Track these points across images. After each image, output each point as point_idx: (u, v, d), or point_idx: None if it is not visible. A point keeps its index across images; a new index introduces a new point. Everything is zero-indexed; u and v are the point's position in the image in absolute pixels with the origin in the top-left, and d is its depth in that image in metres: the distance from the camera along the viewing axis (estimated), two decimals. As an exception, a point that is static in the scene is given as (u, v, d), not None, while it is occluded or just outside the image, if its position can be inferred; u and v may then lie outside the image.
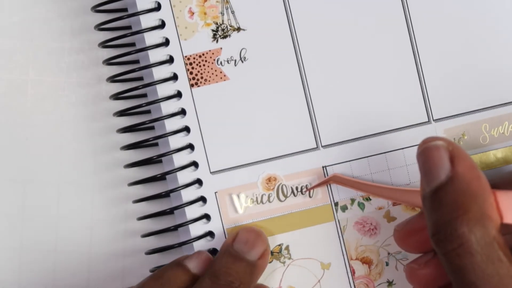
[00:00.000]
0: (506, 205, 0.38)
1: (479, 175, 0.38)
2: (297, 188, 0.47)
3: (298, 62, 0.47)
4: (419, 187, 0.41)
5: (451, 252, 0.37)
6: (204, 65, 0.47)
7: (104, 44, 0.49)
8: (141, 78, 0.49)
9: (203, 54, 0.47)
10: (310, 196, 0.47)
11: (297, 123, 0.47)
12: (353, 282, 0.48)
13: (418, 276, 0.43)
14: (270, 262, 0.48)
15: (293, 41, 0.47)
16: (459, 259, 0.36)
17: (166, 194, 0.47)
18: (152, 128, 0.49)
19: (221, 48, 0.47)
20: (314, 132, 0.47)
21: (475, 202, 0.37)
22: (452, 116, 0.47)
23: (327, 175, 0.47)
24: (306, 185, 0.47)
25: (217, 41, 0.47)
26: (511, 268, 0.36)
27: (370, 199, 0.47)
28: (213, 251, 0.47)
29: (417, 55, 0.47)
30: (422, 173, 0.39)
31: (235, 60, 0.47)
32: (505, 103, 0.47)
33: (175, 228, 0.48)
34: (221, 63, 0.47)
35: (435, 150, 0.38)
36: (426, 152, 0.39)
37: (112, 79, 0.48)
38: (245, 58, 0.47)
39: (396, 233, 0.45)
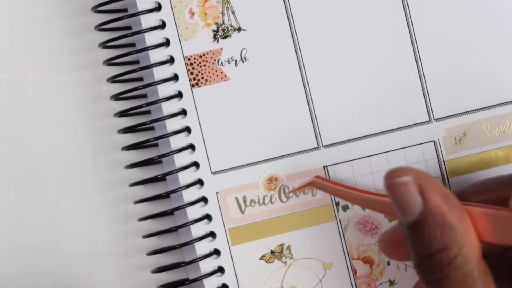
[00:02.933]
0: (483, 224, 0.38)
1: (452, 203, 0.37)
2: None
3: (298, 62, 0.47)
4: None
5: (433, 282, 0.37)
6: (204, 65, 0.47)
7: (104, 45, 0.49)
8: (141, 79, 0.49)
9: (203, 55, 0.47)
10: (313, 195, 0.47)
11: (298, 123, 0.47)
12: (355, 281, 0.48)
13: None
14: (272, 262, 0.48)
15: (293, 41, 0.47)
16: (445, 285, 0.37)
17: (167, 195, 0.47)
18: (153, 128, 0.49)
19: (221, 48, 0.47)
20: (315, 132, 0.47)
21: (453, 236, 0.37)
22: (453, 115, 0.47)
23: (328, 175, 0.47)
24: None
25: (217, 41, 0.47)
26: None
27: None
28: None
29: (417, 55, 0.47)
30: (394, 206, 0.38)
31: (236, 60, 0.47)
32: (506, 102, 0.47)
33: (176, 228, 0.48)
34: (221, 63, 0.47)
35: (403, 186, 0.37)
36: (394, 189, 0.38)
37: (113, 79, 0.48)
38: (245, 58, 0.47)
39: (381, 244, 0.45)
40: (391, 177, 0.38)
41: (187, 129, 0.48)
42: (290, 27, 0.47)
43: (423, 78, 0.47)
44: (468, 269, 0.37)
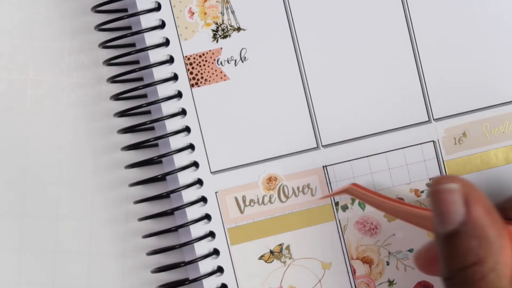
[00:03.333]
0: None
1: (494, 218, 0.37)
2: (298, 188, 0.47)
3: (298, 62, 0.47)
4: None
5: None
6: (204, 65, 0.47)
7: (104, 45, 0.49)
8: (141, 79, 0.49)
9: (203, 54, 0.47)
10: (312, 195, 0.47)
11: (297, 123, 0.47)
12: (354, 281, 0.48)
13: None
14: (271, 262, 0.48)
15: (293, 41, 0.47)
16: None
17: (167, 195, 0.47)
18: (153, 128, 0.49)
19: (221, 48, 0.47)
20: (314, 132, 0.47)
21: (490, 251, 0.36)
22: (453, 115, 0.47)
23: (328, 174, 0.47)
24: (309, 186, 0.47)
25: (217, 41, 0.47)
26: None
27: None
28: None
29: (417, 54, 0.47)
30: (434, 213, 0.38)
31: (235, 60, 0.47)
32: (506, 102, 0.47)
33: (176, 228, 0.48)
34: (221, 63, 0.47)
35: (449, 194, 0.37)
36: (439, 195, 0.38)
37: (113, 79, 0.48)
38: (245, 58, 0.47)
39: (417, 261, 0.44)
40: (438, 183, 0.38)
41: (187, 129, 0.48)
42: (289, 27, 0.47)
43: (423, 78, 0.47)
44: (500, 286, 0.36)
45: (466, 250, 0.36)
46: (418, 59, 0.47)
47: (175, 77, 0.47)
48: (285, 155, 0.47)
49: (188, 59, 0.47)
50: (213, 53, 0.47)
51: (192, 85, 0.47)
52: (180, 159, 0.47)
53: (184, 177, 0.47)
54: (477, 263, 0.36)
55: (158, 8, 0.47)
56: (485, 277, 0.36)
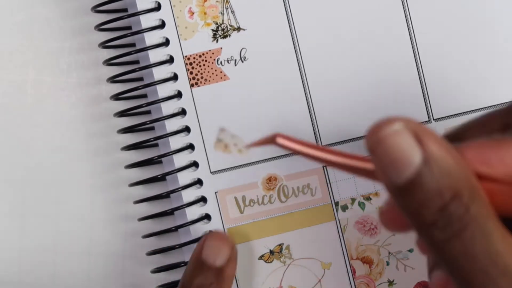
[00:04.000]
0: (478, 159, 0.33)
1: (450, 147, 0.32)
2: (298, 188, 0.47)
3: (298, 62, 0.47)
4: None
5: (450, 239, 0.32)
6: (204, 65, 0.47)
7: (104, 45, 0.49)
8: (141, 79, 0.49)
9: (203, 54, 0.47)
10: (312, 195, 0.47)
11: (297, 123, 0.47)
12: (354, 281, 0.48)
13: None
14: (271, 262, 0.48)
15: (293, 41, 0.47)
16: (459, 245, 0.32)
17: (167, 195, 0.47)
18: (153, 128, 0.49)
19: (221, 48, 0.48)
20: (314, 132, 0.47)
21: (463, 179, 0.32)
22: (453, 115, 0.47)
23: (328, 174, 0.47)
24: (309, 186, 0.47)
25: (217, 41, 0.47)
26: (510, 245, 0.32)
27: (370, 199, 0.47)
28: None
29: (417, 55, 0.47)
30: (384, 165, 0.32)
31: (235, 60, 0.47)
32: (506, 102, 0.47)
33: (176, 228, 0.48)
34: (221, 63, 0.47)
35: (397, 136, 0.32)
36: (386, 142, 0.32)
37: (112, 79, 0.48)
38: (245, 58, 0.47)
39: (382, 216, 0.37)
40: (379, 129, 0.32)
41: (187, 129, 0.48)
42: (289, 27, 0.47)
43: (423, 79, 0.47)
44: (486, 212, 0.32)
45: (439, 187, 0.31)
46: (418, 59, 0.47)
47: (175, 77, 0.47)
48: (285, 155, 0.47)
49: (188, 59, 0.47)
50: (213, 53, 0.47)
51: (192, 85, 0.47)
52: (180, 159, 0.47)
53: (184, 177, 0.47)
54: (454, 196, 0.31)
55: (158, 8, 0.47)
56: (469, 208, 0.32)
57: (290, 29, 0.47)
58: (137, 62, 0.49)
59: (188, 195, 0.47)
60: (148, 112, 0.49)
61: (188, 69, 0.47)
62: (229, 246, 0.45)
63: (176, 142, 0.47)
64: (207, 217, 0.48)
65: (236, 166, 0.47)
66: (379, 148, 0.32)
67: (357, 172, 0.36)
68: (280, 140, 0.41)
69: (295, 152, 0.40)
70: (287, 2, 0.47)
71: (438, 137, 0.32)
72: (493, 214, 0.32)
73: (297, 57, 0.47)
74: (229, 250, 0.45)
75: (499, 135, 0.35)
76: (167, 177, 0.48)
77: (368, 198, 0.47)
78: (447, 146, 0.32)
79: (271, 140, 0.41)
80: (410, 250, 0.47)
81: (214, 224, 0.47)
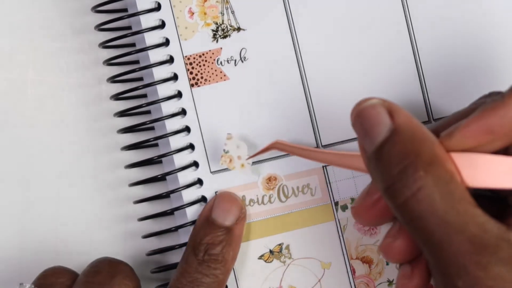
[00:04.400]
0: (464, 168, 0.37)
1: (420, 124, 0.37)
2: (298, 188, 0.47)
3: (298, 62, 0.47)
4: None
5: (409, 199, 0.35)
6: (204, 65, 0.47)
7: (104, 45, 0.49)
8: (141, 79, 0.49)
9: (203, 54, 0.47)
10: (312, 195, 0.47)
11: (297, 123, 0.47)
12: (354, 281, 0.48)
13: (394, 249, 0.40)
14: (271, 262, 0.48)
15: (293, 41, 0.47)
16: (418, 205, 0.35)
17: (167, 195, 0.48)
18: (153, 128, 0.49)
19: (221, 48, 0.48)
20: (314, 132, 0.47)
21: (425, 146, 0.36)
22: (452, 115, 0.47)
23: (327, 174, 0.47)
24: (309, 185, 0.47)
25: (217, 41, 0.47)
26: (470, 206, 0.35)
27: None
28: None
29: (417, 55, 0.47)
30: (361, 135, 0.38)
31: (235, 60, 0.47)
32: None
33: (176, 229, 0.48)
34: (221, 63, 0.48)
35: (372, 108, 0.37)
36: (363, 113, 0.38)
37: (113, 79, 0.48)
38: (245, 58, 0.47)
39: (353, 209, 0.42)
40: (360, 104, 0.38)
41: (187, 129, 0.48)
42: (289, 26, 0.47)
43: (423, 79, 0.47)
44: (447, 176, 0.35)
45: (402, 152, 0.36)
46: (418, 59, 0.47)
47: (175, 77, 0.48)
48: (285, 155, 0.47)
49: (188, 59, 0.47)
50: (213, 53, 0.47)
51: (192, 85, 0.47)
52: (180, 159, 0.47)
53: (184, 177, 0.47)
54: (414, 161, 0.35)
55: (158, 8, 0.47)
56: (428, 170, 0.35)
57: (290, 29, 0.47)
58: (137, 62, 0.49)
59: (188, 195, 0.47)
60: (148, 112, 0.49)
61: (188, 69, 0.47)
62: (238, 207, 0.46)
63: (176, 142, 0.47)
64: (207, 217, 0.48)
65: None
66: (357, 119, 0.38)
67: (350, 167, 0.43)
68: (278, 145, 0.44)
69: (296, 154, 0.45)
70: (287, 2, 0.47)
71: (408, 113, 0.37)
72: (456, 179, 0.36)
73: (297, 57, 0.47)
74: (238, 211, 0.46)
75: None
76: (167, 177, 0.48)
77: (368, 198, 0.47)
78: (415, 121, 0.37)
79: (269, 148, 0.46)
80: (410, 250, 0.47)
81: (214, 224, 0.48)
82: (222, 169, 0.47)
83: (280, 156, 0.47)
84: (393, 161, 0.36)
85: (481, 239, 0.34)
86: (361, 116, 0.38)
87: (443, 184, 0.35)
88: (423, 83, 0.47)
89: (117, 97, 0.49)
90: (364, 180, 0.47)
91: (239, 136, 0.47)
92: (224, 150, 0.46)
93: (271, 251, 0.48)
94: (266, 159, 0.47)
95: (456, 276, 0.35)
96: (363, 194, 0.42)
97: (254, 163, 0.47)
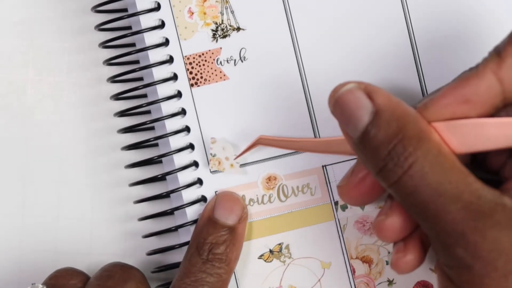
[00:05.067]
0: (450, 138, 0.37)
1: (399, 101, 0.37)
2: (297, 188, 0.47)
3: (297, 62, 0.47)
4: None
5: (402, 176, 0.36)
6: (204, 64, 0.47)
7: (104, 44, 0.49)
8: (141, 79, 0.49)
9: (202, 54, 0.47)
10: (312, 195, 0.47)
11: (296, 122, 0.47)
12: (354, 281, 0.48)
13: (386, 226, 0.41)
14: (271, 261, 0.48)
15: (292, 41, 0.48)
16: (411, 181, 0.36)
17: (167, 195, 0.48)
18: (153, 128, 0.49)
19: (220, 48, 0.48)
20: (314, 131, 0.47)
21: (409, 123, 0.36)
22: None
23: (327, 174, 0.47)
24: (308, 185, 0.47)
25: (216, 41, 0.48)
26: (462, 175, 0.36)
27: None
28: None
29: (417, 56, 0.47)
30: (343, 122, 0.38)
31: (235, 60, 0.47)
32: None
33: (176, 228, 0.48)
34: (220, 62, 0.48)
35: (350, 94, 0.37)
36: (342, 100, 0.38)
37: (112, 79, 0.48)
38: (244, 57, 0.47)
39: (339, 189, 0.43)
40: (336, 91, 0.38)
41: (187, 129, 0.48)
42: (289, 26, 0.47)
43: (423, 79, 0.47)
44: (436, 149, 0.36)
45: (388, 134, 0.36)
46: (418, 60, 0.47)
47: (174, 77, 0.48)
48: (285, 154, 0.47)
49: (188, 58, 0.47)
50: (212, 53, 0.47)
51: (191, 85, 0.47)
52: (180, 159, 0.47)
53: (184, 177, 0.48)
54: (402, 138, 0.36)
55: (157, 8, 0.47)
56: (417, 145, 0.36)
57: (289, 29, 0.48)
58: (137, 62, 0.49)
59: (188, 195, 0.47)
60: (148, 112, 0.49)
61: (188, 69, 0.47)
62: (240, 206, 0.46)
63: (176, 142, 0.47)
64: (207, 216, 0.48)
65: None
66: (337, 107, 0.38)
67: (338, 152, 0.44)
68: (262, 141, 0.46)
69: (280, 147, 0.46)
70: (286, 2, 0.47)
71: (386, 92, 0.37)
72: (444, 150, 0.36)
73: (296, 57, 0.48)
74: (241, 210, 0.46)
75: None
76: (167, 177, 0.48)
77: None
78: (395, 99, 0.37)
79: (255, 144, 0.46)
80: (410, 250, 0.47)
81: (214, 224, 0.48)
82: (222, 169, 0.48)
83: (280, 155, 0.47)
84: (380, 143, 0.36)
85: (476, 205, 0.35)
86: (340, 103, 0.38)
87: (433, 157, 0.36)
88: (423, 83, 0.47)
89: (117, 97, 0.49)
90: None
91: (223, 138, 0.47)
92: (211, 154, 0.47)
93: (271, 251, 0.48)
94: (266, 159, 0.47)
95: (455, 245, 0.35)
96: (348, 173, 0.42)
97: (253, 162, 0.47)
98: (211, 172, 0.47)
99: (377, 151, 0.36)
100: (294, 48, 0.47)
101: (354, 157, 0.43)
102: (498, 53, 0.37)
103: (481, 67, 0.37)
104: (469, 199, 0.35)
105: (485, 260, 0.35)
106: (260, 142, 0.46)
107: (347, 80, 0.38)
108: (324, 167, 0.47)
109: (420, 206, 0.36)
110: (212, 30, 0.47)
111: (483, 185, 0.36)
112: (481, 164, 0.40)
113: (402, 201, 0.37)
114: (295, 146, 0.45)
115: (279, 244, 0.48)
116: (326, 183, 0.47)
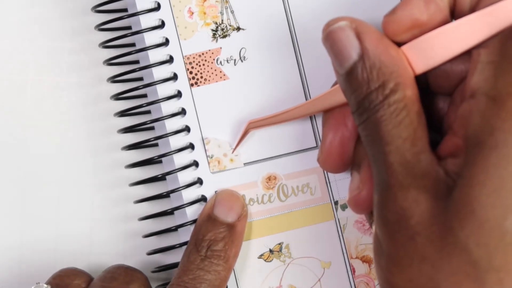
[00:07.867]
0: (413, 57, 0.38)
1: (387, 44, 0.38)
2: (297, 188, 0.47)
3: (297, 61, 0.48)
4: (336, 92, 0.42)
5: (368, 119, 0.37)
6: (204, 64, 0.48)
7: (104, 44, 0.49)
8: (141, 78, 0.49)
9: (202, 54, 0.48)
10: (312, 194, 0.48)
11: (296, 122, 0.47)
12: (353, 281, 0.48)
13: (360, 199, 0.42)
14: (270, 261, 0.48)
15: (292, 41, 0.48)
16: (371, 124, 0.37)
17: (167, 194, 0.48)
18: (153, 128, 0.49)
19: (220, 48, 0.48)
20: (313, 131, 0.47)
21: (390, 72, 0.37)
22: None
23: (327, 174, 0.47)
24: (308, 185, 0.47)
25: (216, 41, 0.48)
26: (412, 133, 0.37)
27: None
28: None
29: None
30: (332, 56, 0.39)
31: (235, 60, 0.48)
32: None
33: (176, 228, 0.48)
34: (220, 62, 0.48)
35: (340, 31, 0.38)
36: (332, 35, 0.39)
37: (113, 79, 0.49)
38: (244, 57, 0.48)
39: (319, 158, 0.45)
40: (330, 24, 0.39)
41: (187, 129, 0.48)
42: (289, 26, 0.48)
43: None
44: (402, 104, 0.37)
45: (367, 79, 0.37)
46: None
47: (174, 77, 0.48)
48: (285, 154, 0.47)
49: (188, 58, 0.48)
50: (212, 53, 0.48)
51: (191, 85, 0.48)
52: (180, 159, 0.48)
53: (184, 177, 0.48)
54: (379, 87, 0.37)
55: (157, 8, 0.47)
56: (387, 97, 0.37)
57: (289, 29, 0.48)
58: (137, 62, 0.49)
59: (188, 195, 0.48)
60: (148, 112, 0.49)
61: (188, 69, 0.48)
62: (240, 204, 0.47)
63: (176, 141, 0.48)
64: (207, 216, 0.48)
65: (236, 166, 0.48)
66: (326, 42, 0.39)
67: (329, 106, 0.43)
68: (252, 125, 0.46)
69: (271, 124, 0.46)
70: (286, 2, 0.48)
71: (378, 34, 0.38)
72: (409, 108, 0.37)
73: (296, 57, 0.48)
74: (240, 208, 0.47)
75: None
76: (167, 176, 0.48)
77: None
78: (385, 43, 0.38)
79: (247, 131, 0.46)
80: (410, 249, 0.47)
81: (214, 224, 0.48)
82: (222, 169, 0.48)
83: (280, 155, 0.47)
84: (360, 86, 0.38)
85: (412, 165, 0.36)
86: (330, 38, 0.39)
87: (395, 110, 0.37)
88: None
89: (117, 97, 0.49)
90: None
91: (214, 137, 0.47)
92: (208, 156, 0.47)
93: (271, 250, 0.48)
94: (266, 158, 0.47)
95: (388, 203, 0.37)
96: (324, 142, 0.44)
97: (253, 162, 0.47)
98: (211, 172, 0.47)
99: (357, 91, 0.38)
100: (294, 48, 0.48)
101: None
102: None
103: None
104: (409, 158, 0.36)
105: (397, 219, 0.36)
106: (251, 126, 0.46)
107: (339, 17, 0.39)
108: (324, 167, 0.48)
109: (371, 152, 0.38)
110: (212, 30, 0.47)
111: (428, 150, 0.37)
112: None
113: (364, 143, 0.38)
114: (285, 117, 0.45)
115: (279, 243, 0.48)
116: (326, 182, 0.48)
